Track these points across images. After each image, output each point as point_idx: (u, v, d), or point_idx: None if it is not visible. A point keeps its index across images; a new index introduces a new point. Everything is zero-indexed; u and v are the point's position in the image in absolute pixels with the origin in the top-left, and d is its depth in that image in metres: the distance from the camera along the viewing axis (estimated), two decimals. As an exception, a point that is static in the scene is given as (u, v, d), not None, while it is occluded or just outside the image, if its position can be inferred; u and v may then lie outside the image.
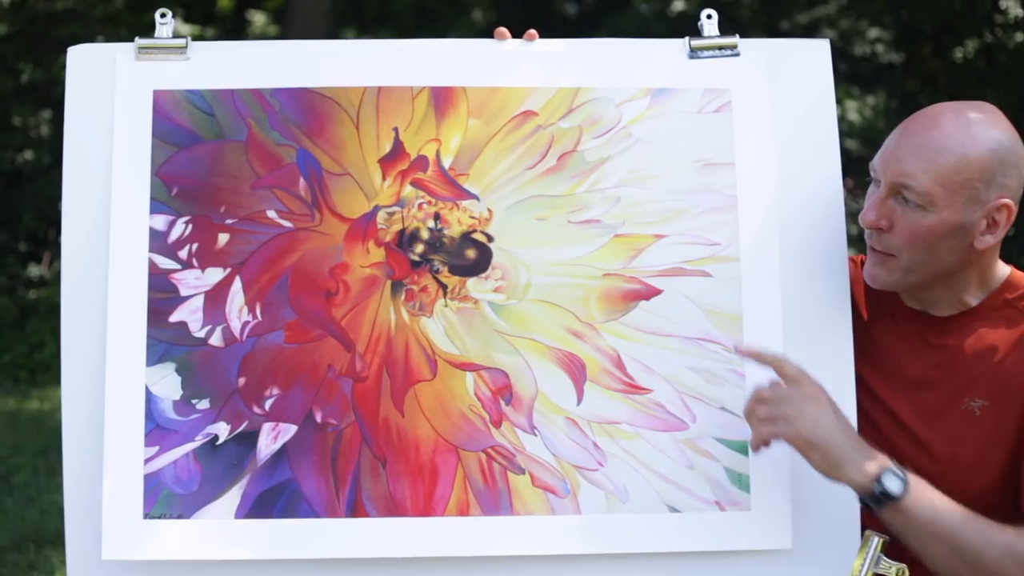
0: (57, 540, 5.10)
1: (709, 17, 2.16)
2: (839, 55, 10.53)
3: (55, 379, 7.91)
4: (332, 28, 11.02)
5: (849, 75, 9.99)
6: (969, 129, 1.90)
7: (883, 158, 1.95)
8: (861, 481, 1.81)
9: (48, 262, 10.59)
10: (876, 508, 1.82)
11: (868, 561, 1.83)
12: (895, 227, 1.93)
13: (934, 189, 1.88)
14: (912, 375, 2.02)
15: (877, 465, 1.82)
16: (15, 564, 5.12)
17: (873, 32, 10.63)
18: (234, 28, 11.83)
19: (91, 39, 10.40)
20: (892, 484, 1.80)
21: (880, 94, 9.85)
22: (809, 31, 10.58)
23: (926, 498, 1.82)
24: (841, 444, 1.82)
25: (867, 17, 10.63)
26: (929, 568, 1.84)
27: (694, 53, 2.13)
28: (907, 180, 1.90)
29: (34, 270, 10.59)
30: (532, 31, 2.12)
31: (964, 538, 1.79)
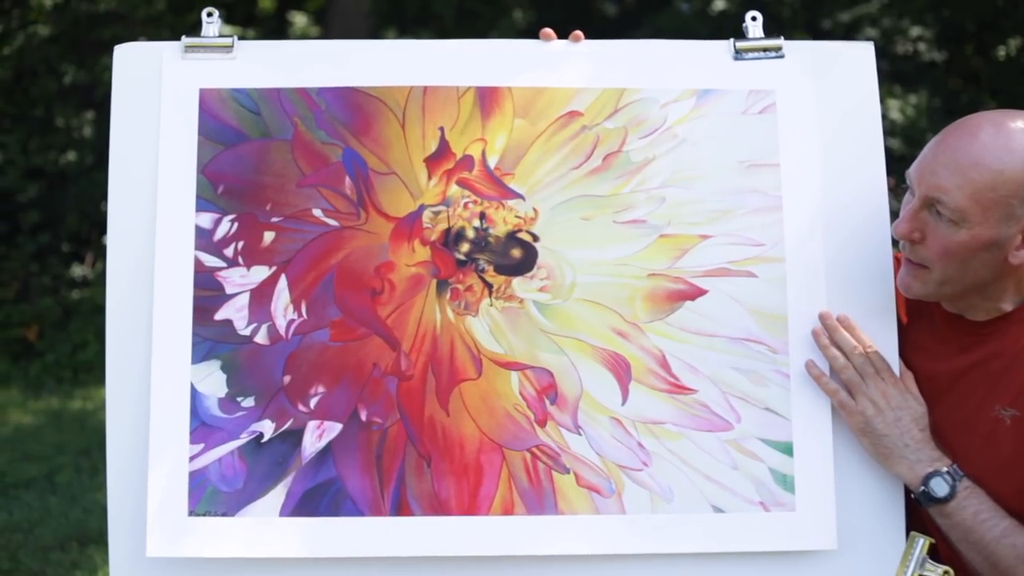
0: (100, 539, 5.23)
1: (754, 19, 2.24)
2: (881, 54, 10.53)
3: (98, 379, 8.13)
4: (373, 29, 11.15)
5: (891, 74, 10.03)
6: (1008, 143, 1.91)
7: (919, 169, 1.99)
8: (909, 478, 1.99)
9: (91, 262, 10.78)
10: (924, 505, 1.97)
11: (913, 563, 1.88)
12: (928, 239, 1.98)
13: (968, 205, 1.92)
14: (946, 380, 2.08)
15: (929, 465, 1.97)
16: (58, 563, 5.25)
17: (915, 31, 10.67)
18: (275, 29, 11.96)
19: (133, 40, 10.47)
20: (938, 488, 1.96)
21: (922, 93, 9.89)
22: (851, 30, 10.62)
23: (972, 507, 1.94)
24: (895, 439, 2.00)
25: (909, 15, 10.67)
26: (968, 569, 1.96)
27: (739, 55, 2.21)
28: (941, 195, 1.93)
29: (77, 270, 10.77)
30: (578, 32, 2.20)
31: (999, 554, 1.94)
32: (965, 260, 1.95)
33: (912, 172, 2.01)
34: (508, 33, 11.04)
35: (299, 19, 11.87)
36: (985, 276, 1.99)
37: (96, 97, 10.05)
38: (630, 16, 12.48)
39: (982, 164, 1.91)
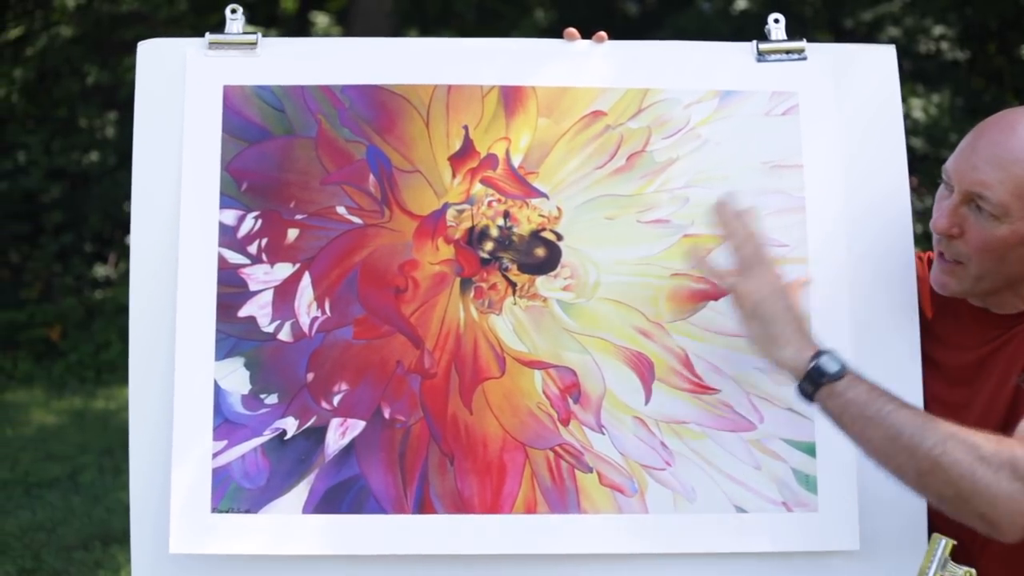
0: (123, 538, 5.31)
1: (776, 21, 2.28)
2: (903, 53, 10.54)
3: (121, 379, 8.27)
4: (394, 29, 11.20)
5: (913, 73, 10.05)
6: None
7: (957, 164, 2.02)
8: (796, 359, 1.93)
9: (114, 263, 10.88)
10: (812, 390, 1.91)
11: (935, 564, 1.91)
12: (966, 235, 2.01)
13: (1010, 200, 1.95)
14: (972, 370, 2.11)
15: (815, 348, 1.93)
16: (82, 562, 5.34)
17: (938, 29, 10.68)
18: (297, 29, 12.02)
19: None
20: (829, 365, 1.90)
21: (945, 92, 9.91)
22: (873, 29, 10.63)
23: (864, 384, 1.89)
24: (785, 323, 1.95)
25: (931, 14, 10.68)
26: (867, 457, 1.89)
27: (762, 56, 2.25)
28: (982, 190, 1.96)
29: (100, 271, 10.89)
30: (602, 33, 2.24)
31: (900, 422, 1.84)
32: (1003, 255, 1.99)
33: (950, 167, 2.03)
34: (530, 33, 11.08)
35: (321, 19, 11.94)
36: (1020, 271, 2.02)
37: (119, 98, 10.17)
38: (651, 16, 12.52)
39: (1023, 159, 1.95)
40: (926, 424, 1.83)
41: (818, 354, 1.90)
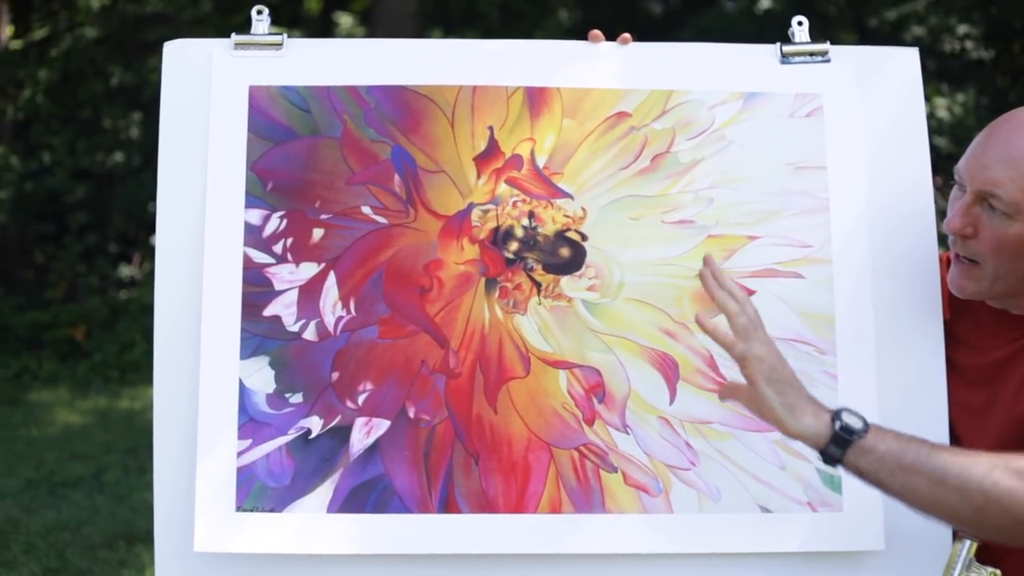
0: (147, 537, 5.36)
1: (800, 24, 2.31)
2: (928, 52, 10.58)
3: (145, 379, 8.42)
4: (418, 29, 11.24)
5: (938, 72, 10.07)
6: None
7: (969, 164, 2.04)
8: (819, 425, 1.81)
9: (139, 263, 11.01)
10: (840, 452, 1.80)
11: (960, 565, 1.93)
12: (980, 234, 2.03)
13: (1022, 198, 1.97)
14: (991, 370, 2.13)
15: (830, 410, 1.83)
16: (106, 561, 5.40)
17: (962, 28, 10.70)
18: (321, 29, 12.08)
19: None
20: (853, 421, 1.80)
21: (970, 91, 9.93)
22: (897, 28, 10.65)
23: (890, 434, 1.82)
24: (798, 389, 1.85)
25: (956, 13, 10.70)
26: (913, 507, 1.83)
27: (785, 59, 2.28)
28: (994, 189, 1.98)
29: (125, 271, 11.02)
30: (626, 35, 2.27)
31: (942, 464, 1.77)
32: (1019, 253, 2.00)
33: (961, 167, 2.05)
34: (554, 33, 11.10)
35: (344, 19, 11.99)
36: None
37: (143, 98, 10.27)
38: (675, 15, 12.56)
39: None
40: (967, 460, 1.78)
41: (837, 414, 1.82)
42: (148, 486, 6.02)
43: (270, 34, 2.27)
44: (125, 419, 8.19)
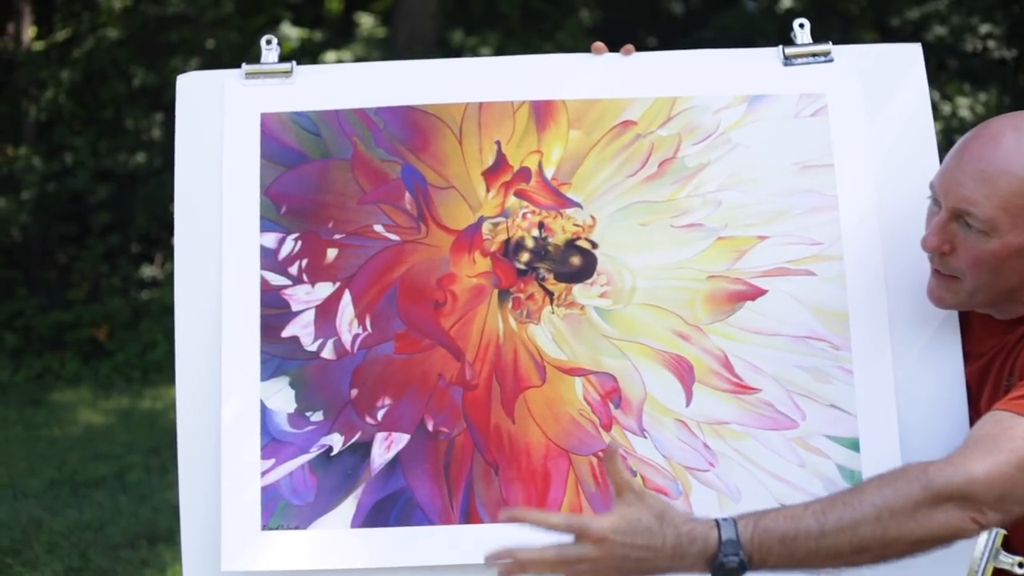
0: (169, 537, 5.47)
1: (801, 26, 2.36)
2: (950, 51, 10.58)
3: (167, 378, 8.57)
4: (439, 30, 11.29)
5: (960, 71, 10.07)
6: None
7: (943, 180, 2.04)
8: (701, 563, 1.77)
9: (160, 263, 11.17)
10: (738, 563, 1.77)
11: (987, 554, 1.93)
12: (958, 251, 2.03)
13: (997, 215, 1.96)
14: (980, 373, 2.15)
15: (702, 532, 1.78)
16: (128, 561, 5.47)
17: (984, 27, 10.69)
18: (342, 30, 12.17)
19: (201, 43, 11.18)
20: (728, 530, 1.77)
21: (992, 90, 9.93)
22: (919, 27, 10.65)
23: (774, 514, 1.82)
24: (655, 550, 1.78)
25: (978, 13, 10.70)
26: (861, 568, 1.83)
27: (788, 60, 2.33)
28: (969, 207, 1.98)
29: (147, 271, 11.19)
30: (629, 46, 2.33)
31: (867, 504, 1.79)
32: (997, 268, 2.00)
33: (936, 183, 2.06)
34: (575, 33, 10.99)
35: (365, 20, 12.00)
36: (1016, 282, 2.03)
37: (165, 99, 10.39)
38: (697, 15, 12.52)
39: (1008, 171, 1.96)
40: (896, 486, 1.81)
41: (716, 525, 1.78)
42: (170, 486, 6.11)
43: (280, 62, 2.33)
44: (147, 419, 8.30)
